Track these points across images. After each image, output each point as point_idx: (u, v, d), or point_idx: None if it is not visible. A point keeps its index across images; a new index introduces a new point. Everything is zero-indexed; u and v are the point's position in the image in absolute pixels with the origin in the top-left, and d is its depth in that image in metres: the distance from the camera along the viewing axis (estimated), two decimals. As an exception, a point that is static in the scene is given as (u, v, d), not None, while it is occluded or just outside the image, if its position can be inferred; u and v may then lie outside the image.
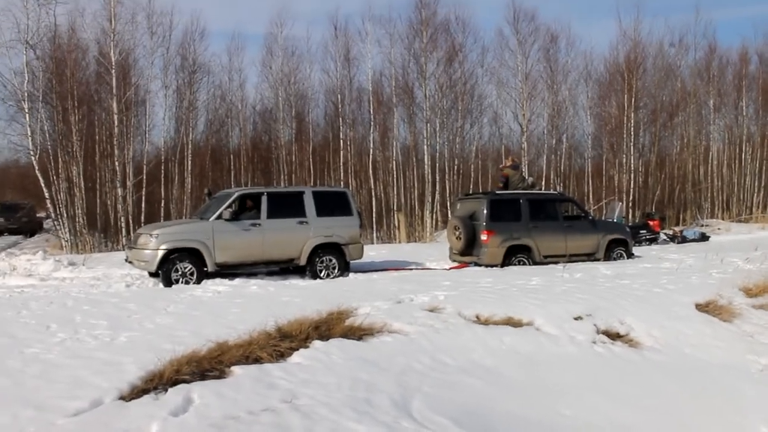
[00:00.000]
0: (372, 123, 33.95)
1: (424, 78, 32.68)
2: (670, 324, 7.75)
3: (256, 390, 4.98)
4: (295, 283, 11.60)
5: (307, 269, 13.29)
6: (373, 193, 33.05)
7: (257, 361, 5.70)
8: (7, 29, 25.81)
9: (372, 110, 33.94)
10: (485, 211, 14.41)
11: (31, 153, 26.28)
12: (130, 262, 12.81)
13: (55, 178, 26.21)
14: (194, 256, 12.35)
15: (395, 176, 33.18)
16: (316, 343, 6.24)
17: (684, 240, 23.30)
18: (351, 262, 13.91)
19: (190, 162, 30.78)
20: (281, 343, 6.08)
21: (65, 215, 26.07)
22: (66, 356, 5.91)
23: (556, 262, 14.18)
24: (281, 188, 16.04)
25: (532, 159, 34.69)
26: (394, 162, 33.44)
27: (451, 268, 14.65)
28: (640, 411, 5.52)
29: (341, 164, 33.66)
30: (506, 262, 14.27)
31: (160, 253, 12.08)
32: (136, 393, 4.87)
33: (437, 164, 32.70)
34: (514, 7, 34.55)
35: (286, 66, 35.00)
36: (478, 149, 36.39)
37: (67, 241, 25.58)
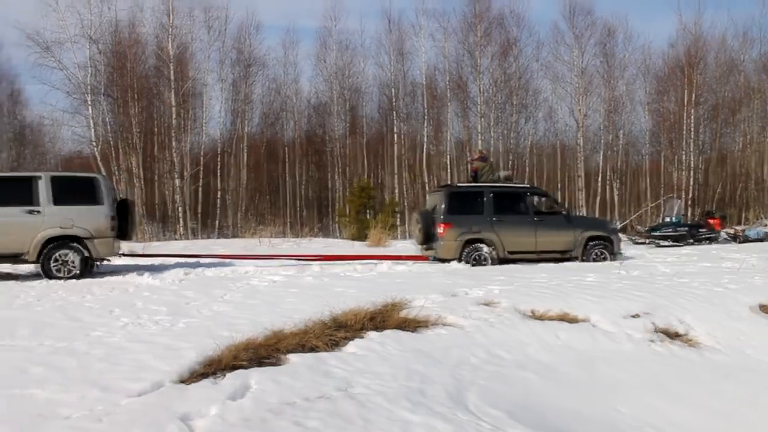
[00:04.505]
0: (426, 117, 33.88)
1: (478, 72, 32.50)
2: (731, 324, 7.56)
3: (312, 378, 5.04)
4: (350, 275, 11.66)
5: (40, 267, 11.35)
6: (427, 188, 33.03)
7: (313, 349, 5.76)
8: (72, 25, 26.67)
9: (426, 104, 33.87)
10: (443, 204, 13.82)
11: (93, 144, 27.04)
12: None
13: (115, 168, 26.89)
14: None
15: (449, 171, 33.06)
16: (371, 334, 6.28)
17: (746, 239, 22.58)
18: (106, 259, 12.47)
19: (245, 154, 31.17)
20: (336, 333, 6.13)
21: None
22: (128, 340, 6.10)
23: (523, 260, 13.55)
24: (9, 173, 14.09)
25: (588, 154, 34.13)
26: (447, 156, 33.31)
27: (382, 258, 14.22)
28: (700, 411, 5.40)
29: (395, 158, 33.68)
30: (465, 256, 13.56)
31: None
32: (195, 377, 4.98)
33: (492, 159, 32.40)
34: (570, 2, 34.06)
35: (340, 60, 35.23)
36: (533, 145, 35.97)
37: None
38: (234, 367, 5.15)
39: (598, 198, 34.27)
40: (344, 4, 54.73)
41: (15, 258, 11.38)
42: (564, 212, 15.10)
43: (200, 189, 29.02)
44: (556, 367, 6.09)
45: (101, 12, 27.42)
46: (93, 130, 27.02)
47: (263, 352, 5.54)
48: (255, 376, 4.95)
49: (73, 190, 11.65)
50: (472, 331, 6.76)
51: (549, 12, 65.73)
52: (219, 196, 30.38)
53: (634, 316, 7.61)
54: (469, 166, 16.58)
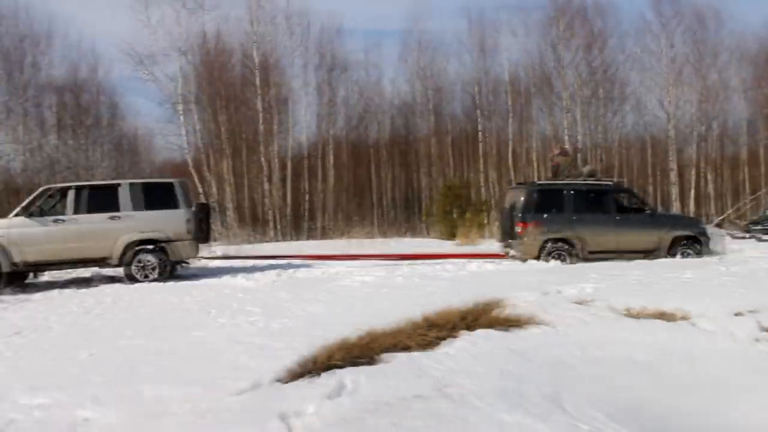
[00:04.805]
0: (510, 114, 33.47)
1: (562, 66, 31.86)
2: None
3: (406, 377, 5.05)
4: (440, 274, 11.65)
5: (123, 270, 11.94)
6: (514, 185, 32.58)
7: (406, 349, 5.78)
8: (163, 38, 27.79)
9: (510, 101, 33.46)
10: (523, 202, 13.61)
11: (185, 151, 28.08)
12: None
13: (207, 174, 27.78)
14: None
15: (535, 167, 32.55)
16: (463, 333, 6.24)
17: None
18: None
19: (332, 157, 31.61)
20: (429, 333, 6.13)
21: (217, 209, 27.59)
22: (226, 340, 6.29)
23: (605, 259, 13.11)
24: (93, 182, 14.36)
25: (680, 147, 32.89)
26: (534, 153, 32.82)
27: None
28: (814, 413, 5.11)
29: (480, 156, 33.43)
30: (543, 256, 13.32)
31: None
32: (292, 376, 5.07)
33: (578, 155, 31.74)
34: (656, -11, 32.83)
35: (423, 60, 35.25)
36: (621, 138, 34.94)
37: (219, 233, 27.06)
38: (329, 367, 5.21)
39: (692, 192, 32.98)
40: (426, 4, 54.61)
41: (100, 262, 12.03)
42: (649, 210, 14.61)
43: (289, 192, 29.60)
44: (655, 367, 5.88)
45: (190, 25, 28.48)
46: (185, 138, 28.09)
47: (357, 352, 5.59)
48: (350, 376, 5.00)
49: (152, 195, 12.19)
50: (565, 330, 6.63)
51: (634, 1, 63.64)
52: (307, 198, 30.89)
53: (737, 315, 7.27)
54: (550, 162, 16.21)
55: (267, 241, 25.72)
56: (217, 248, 19.53)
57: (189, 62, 28.88)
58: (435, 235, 26.05)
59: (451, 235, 23.62)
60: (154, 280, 11.70)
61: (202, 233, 12.81)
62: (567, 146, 17.22)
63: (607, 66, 33.09)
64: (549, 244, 13.41)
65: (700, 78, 33.18)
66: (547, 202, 13.73)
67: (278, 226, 28.31)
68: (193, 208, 12.51)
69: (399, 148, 36.19)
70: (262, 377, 5.01)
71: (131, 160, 42.89)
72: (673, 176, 31.69)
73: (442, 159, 34.64)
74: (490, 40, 34.48)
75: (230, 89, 30.17)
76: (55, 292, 10.82)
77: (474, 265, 13.05)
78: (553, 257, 13.32)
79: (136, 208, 11.93)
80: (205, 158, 28.24)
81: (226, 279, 11.64)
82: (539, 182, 15.03)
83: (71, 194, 11.86)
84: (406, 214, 34.39)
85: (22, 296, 10.46)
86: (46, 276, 12.89)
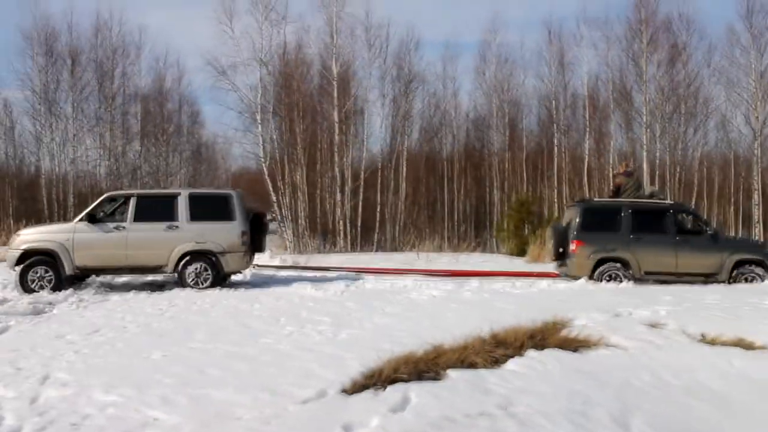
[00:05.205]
0: (587, 129, 32.89)
1: (643, 81, 31.04)
2: None
3: (472, 394, 5.02)
4: (509, 291, 11.54)
5: (178, 279, 12.12)
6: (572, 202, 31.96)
7: (472, 365, 5.74)
8: (245, 49, 28.50)
9: (587, 116, 32.88)
10: (577, 220, 13.25)
11: (262, 160, 28.66)
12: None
13: (281, 183, 28.27)
14: (52, 258, 11.68)
15: (610, 184, 31.82)
16: (531, 352, 6.16)
17: None
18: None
19: (404, 169, 31.69)
20: (496, 350, 6.07)
21: (289, 218, 28.03)
22: (294, 348, 6.39)
23: (663, 281, 12.71)
24: (153, 190, 14.52)
25: (765, 167, 31.58)
26: (610, 169, 32.12)
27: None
28: None
29: (555, 171, 32.95)
30: (597, 275, 12.97)
31: (17, 253, 11.67)
32: (357, 387, 5.11)
33: (657, 172, 30.92)
34: (749, 0, 31.63)
35: (500, 73, 34.95)
36: (703, 156, 33.80)
37: (290, 242, 27.47)
38: (394, 380, 5.22)
39: (778, 213, 31.58)
40: (504, 17, 54.44)
41: (156, 270, 12.24)
42: (711, 232, 13.98)
43: (360, 203, 29.82)
44: (730, 397, 5.66)
45: (271, 36, 29.09)
46: (261, 147, 28.65)
47: (423, 366, 5.58)
48: (415, 390, 5.00)
49: (208, 206, 12.39)
50: (636, 353, 6.45)
51: (723, 12, 61.74)
52: (378, 210, 31.03)
53: (820, 345, 6.94)
54: (612, 180, 15.82)
55: (337, 252, 25.95)
56: (288, 257, 19.86)
57: (269, 72, 29.53)
58: (505, 251, 25.79)
59: (522, 252, 23.30)
60: (206, 288, 11.85)
61: (256, 244, 12.99)
62: (630, 167, 16.66)
63: (690, 80, 32.05)
64: (603, 264, 13.14)
65: (791, 93, 31.81)
66: (602, 220, 13.45)
67: (348, 237, 28.53)
68: (248, 219, 12.65)
69: (472, 162, 35.97)
70: (328, 387, 5.07)
71: (208, 168, 44.23)
72: (757, 196, 30.41)
73: (516, 174, 34.25)
74: (569, 53, 33.95)
75: (308, 100, 30.63)
76: (131, 294, 11.19)
77: (544, 283, 12.86)
78: (607, 277, 13.04)
79: (193, 218, 12.12)
80: (280, 167, 28.72)
81: (296, 288, 11.79)
82: (596, 199, 14.68)
83: (132, 202, 12.12)
84: (476, 228, 34.15)
85: (99, 296, 10.86)
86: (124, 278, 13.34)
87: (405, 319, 7.98)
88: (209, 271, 12.06)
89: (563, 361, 6.05)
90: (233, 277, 13.08)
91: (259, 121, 28.66)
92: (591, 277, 13.02)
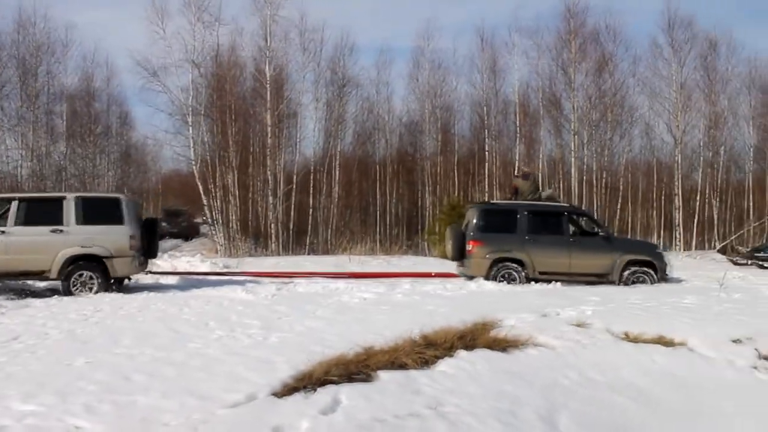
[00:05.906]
0: (518, 135, 33.53)
1: (572, 89, 31.91)
2: None
3: (402, 395, 5.04)
4: (440, 293, 11.64)
5: (62, 285, 11.66)
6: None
7: (402, 367, 5.76)
8: (177, 50, 27.93)
9: (518, 122, 33.52)
10: (475, 221, 13.67)
11: (192, 162, 28.17)
12: None
13: (212, 186, 27.84)
14: None
15: (541, 187, 32.51)
16: (461, 353, 6.22)
17: None
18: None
19: (337, 172, 31.64)
20: (426, 351, 6.11)
21: (220, 221, 27.64)
22: (223, 352, 6.29)
23: (556, 281, 13.11)
24: (38, 194, 14.29)
25: (685, 173, 32.85)
26: (540, 174, 32.82)
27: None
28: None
29: (486, 176, 33.45)
30: (493, 275, 13.35)
31: None
32: (287, 390, 5.07)
33: (584, 177, 31.79)
34: (669, 14, 32.78)
35: (433, 78, 35.25)
36: (628, 162, 34.92)
37: (221, 245, 27.07)
38: (325, 382, 5.21)
39: (697, 217, 32.90)
40: (437, 23, 54.82)
41: (39, 275, 11.76)
42: (603, 234, 14.50)
43: (293, 206, 29.61)
44: (652, 393, 5.86)
45: (204, 38, 28.56)
46: (192, 149, 28.13)
47: (354, 369, 5.58)
48: (346, 392, 5.00)
49: (97, 210, 11.99)
50: (563, 353, 6.60)
51: (646, 26, 63.89)
52: (311, 213, 30.87)
53: (735, 342, 7.23)
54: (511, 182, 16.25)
55: (269, 255, 25.71)
56: (219, 260, 19.58)
57: (201, 74, 29.02)
58: (437, 254, 26.01)
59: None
60: (94, 294, 11.42)
61: (148, 249, 12.79)
62: (528, 169, 17.15)
63: (616, 89, 33.11)
64: (500, 264, 13.44)
65: (710, 104, 33.17)
66: (500, 221, 13.78)
67: (280, 240, 28.29)
68: (139, 224, 12.39)
69: (405, 166, 36.17)
70: (257, 390, 5.01)
71: (138, 170, 43.19)
72: (678, 201, 31.61)
73: (448, 178, 34.59)
74: (501, 60, 34.50)
75: (240, 102, 30.22)
76: (54, 299, 10.82)
77: (474, 284, 13.02)
78: (502, 277, 13.35)
79: (80, 222, 11.74)
80: (212, 170, 28.26)
81: (226, 291, 11.64)
82: (492, 201, 14.97)
83: (14, 205, 11.71)
84: (409, 232, 34.35)
85: (21, 302, 10.46)
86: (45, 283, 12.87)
87: (336, 322, 7.95)
88: (95, 277, 11.68)
89: (492, 361, 6.13)
90: (167, 280, 12.76)
91: (191, 124, 28.12)
92: (487, 277, 13.30)
